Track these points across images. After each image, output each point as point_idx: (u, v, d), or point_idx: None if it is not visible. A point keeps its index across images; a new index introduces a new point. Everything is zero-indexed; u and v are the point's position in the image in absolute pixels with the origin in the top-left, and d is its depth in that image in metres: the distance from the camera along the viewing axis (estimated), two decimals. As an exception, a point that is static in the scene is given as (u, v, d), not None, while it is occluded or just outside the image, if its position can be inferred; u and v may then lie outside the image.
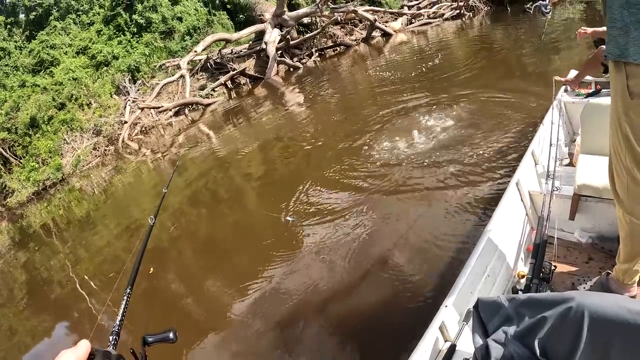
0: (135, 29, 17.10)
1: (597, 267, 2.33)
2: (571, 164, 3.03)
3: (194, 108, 13.22)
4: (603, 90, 3.54)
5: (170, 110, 12.26)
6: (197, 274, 4.77)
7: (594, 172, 2.42)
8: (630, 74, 1.52)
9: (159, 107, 12.04)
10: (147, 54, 15.52)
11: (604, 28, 3.05)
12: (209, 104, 12.59)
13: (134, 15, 17.10)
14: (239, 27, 16.91)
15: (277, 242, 4.47)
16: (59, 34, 17.94)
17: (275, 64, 13.51)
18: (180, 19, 16.84)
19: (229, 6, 17.33)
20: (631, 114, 1.56)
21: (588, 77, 4.11)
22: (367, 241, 3.94)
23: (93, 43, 17.24)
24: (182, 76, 12.68)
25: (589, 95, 3.64)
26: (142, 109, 11.84)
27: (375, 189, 4.82)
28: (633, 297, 1.92)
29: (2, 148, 12.63)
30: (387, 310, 3.04)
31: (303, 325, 3.24)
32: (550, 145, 2.79)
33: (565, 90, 4.00)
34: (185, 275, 4.79)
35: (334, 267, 3.72)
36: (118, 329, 0.80)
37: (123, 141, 12.15)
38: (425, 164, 4.98)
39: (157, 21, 16.69)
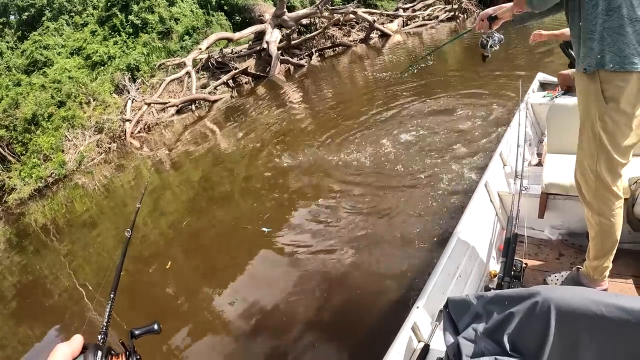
0: (131, 30, 17.04)
1: (568, 263, 2.36)
2: (540, 164, 3.07)
3: (197, 106, 13.27)
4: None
5: (177, 105, 12.25)
6: (186, 272, 4.81)
7: (560, 170, 2.46)
8: (604, 79, 1.54)
9: (166, 103, 12.03)
10: (146, 53, 15.48)
11: (561, 31, 3.15)
12: (215, 101, 12.65)
13: (129, 16, 17.05)
14: (235, 28, 17.07)
15: (254, 249, 4.48)
16: (52, 34, 17.72)
17: (279, 63, 13.70)
18: (177, 20, 16.90)
19: (226, 7, 17.48)
20: (606, 119, 1.58)
21: (554, 79, 4.20)
22: (340, 247, 3.93)
23: (87, 43, 17.09)
24: (187, 73, 12.71)
25: (563, 95, 3.66)
26: (149, 104, 11.80)
27: (351, 191, 4.92)
28: (604, 290, 1.95)
29: (0, 146, 12.36)
30: (359, 314, 3.05)
31: (274, 328, 3.23)
32: (518, 146, 2.82)
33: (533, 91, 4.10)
34: (175, 274, 4.81)
35: (306, 273, 3.71)
36: (105, 329, 0.86)
37: (125, 139, 12.09)
38: (400, 164, 5.12)
39: (153, 22, 16.70)
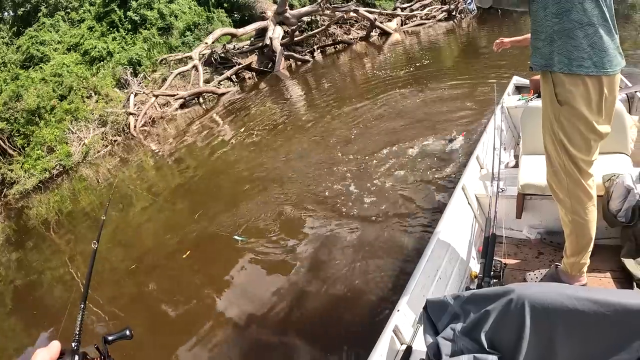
0: (129, 26, 16.99)
1: (548, 261, 2.40)
2: (517, 166, 3.11)
3: (203, 100, 13.31)
4: None
5: (185, 98, 12.28)
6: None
7: (535, 171, 2.49)
8: (556, 82, 1.57)
9: (174, 95, 12.05)
10: (147, 48, 15.48)
11: (525, 36, 3.19)
12: (222, 94, 12.73)
13: (128, 12, 17.00)
14: (235, 25, 17.17)
15: (236, 258, 4.40)
16: (48, 30, 17.53)
17: (283, 58, 13.87)
18: (175, 17, 16.94)
19: (225, 5, 17.61)
20: (562, 120, 1.61)
21: (525, 81, 4.33)
22: (320, 249, 3.93)
23: (85, 39, 16.96)
24: (194, 66, 12.77)
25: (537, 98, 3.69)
26: (157, 96, 11.80)
27: (329, 196, 4.90)
28: (583, 285, 1.98)
29: (1, 139, 12.17)
30: (341, 318, 3.07)
31: (254, 334, 3.22)
32: (494, 149, 2.85)
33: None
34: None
35: (285, 279, 3.70)
36: (78, 337, 0.90)
37: (129, 132, 12.06)
38: (383, 164, 5.17)
39: (153, 18, 16.70)
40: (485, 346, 1.14)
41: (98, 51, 15.96)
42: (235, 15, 17.72)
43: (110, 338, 0.92)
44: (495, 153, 2.79)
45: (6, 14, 19.06)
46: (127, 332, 0.93)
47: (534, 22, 1.58)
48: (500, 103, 3.81)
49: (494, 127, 3.20)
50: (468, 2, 2.07)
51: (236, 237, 4.58)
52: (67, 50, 16.87)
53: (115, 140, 11.99)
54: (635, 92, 3.40)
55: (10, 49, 16.98)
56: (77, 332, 0.91)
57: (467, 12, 2.54)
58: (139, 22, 16.81)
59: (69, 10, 18.41)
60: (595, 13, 1.45)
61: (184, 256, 4.70)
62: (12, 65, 15.75)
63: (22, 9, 18.22)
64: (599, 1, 1.46)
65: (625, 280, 2.08)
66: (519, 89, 4.44)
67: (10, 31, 18.07)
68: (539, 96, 3.52)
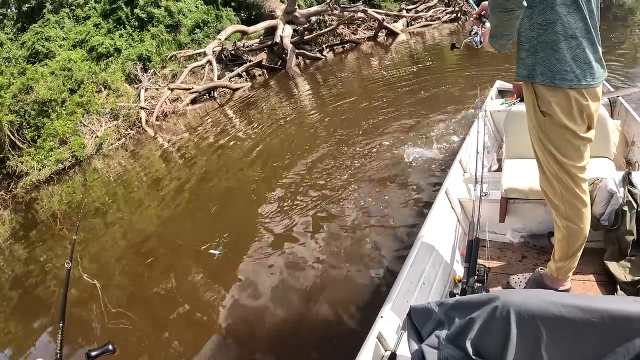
0: (136, 23, 17.01)
1: (531, 265, 2.41)
2: (500, 169, 3.11)
3: (215, 95, 13.38)
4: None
5: (200, 92, 12.33)
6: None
7: (518, 175, 2.52)
8: (538, 94, 1.56)
9: (189, 89, 12.10)
10: (155, 45, 15.53)
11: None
12: (237, 89, 12.82)
13: (135, 10, 17.04)
14: (243, 23, 17.31)
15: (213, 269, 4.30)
16: (53, 26, 17.45)
17: (294, 56, 14.04)
18: (183, 14, 17.03)
19: (233, 3, 17.76)
20: (547, 130, 1.61)
21: (508, 85, 4.37)
22: (302, 256, 3.89)
23: (91, 36, 16.93)
24: (209, 62, 12.86)
25: (520, 102, 3.72)
26: (172, 89, 11.84)
27: (317, 202, 4.84)
28: (567, 289, 1.98)
29: (10, 131, 12.05)
30: (324, 325, 3.03)
31: (237, 341, 3.19)
32: (477, 153, 2.84)
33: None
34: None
35: (267, 288, 3.64)
36: (59, 356, 0.93)
37: (141, 126, 12.06)
38: (372, 174, 5.13)
39: (160, 16, 16.76)
40: (471, 354, 1.13)
41: (105, 47, 15.93)
42: (242, 15, 17.88)
43: (93, 353, 0.94)
44: (478, 157, 2.78)
45: (9, 10, 18.93)
46: (110, 347, 0.95)
47: (519, 33, 1.56)
48: (484, 107, 3.82)
49: (476, 131, 3.21)
50: (473, 33, 1.94)
51: (214, 251, 4.45)
52: (72, 46, 16.81)
53: (127, 134, 11.98)
54: (617, 96, 3.46)
55: (14, 44, 16.86)
56: (59, 351, 0.93)
57: (473, 43, 2.38)
58: (146, 19, 16.85)
59: (74, 7, 18.37)
60: (580, 25, 1.45)
61: (203, 248, 4.61)
62: (16, 60, 15.64)
63: (27, 5, 18.13)
64: (584, 13, 1.45)
65: (608, 283, 2.09)
66: (502, 93, 4.48)
67: (14, 27, 17.96)
68: (521, 100, 3.55)
